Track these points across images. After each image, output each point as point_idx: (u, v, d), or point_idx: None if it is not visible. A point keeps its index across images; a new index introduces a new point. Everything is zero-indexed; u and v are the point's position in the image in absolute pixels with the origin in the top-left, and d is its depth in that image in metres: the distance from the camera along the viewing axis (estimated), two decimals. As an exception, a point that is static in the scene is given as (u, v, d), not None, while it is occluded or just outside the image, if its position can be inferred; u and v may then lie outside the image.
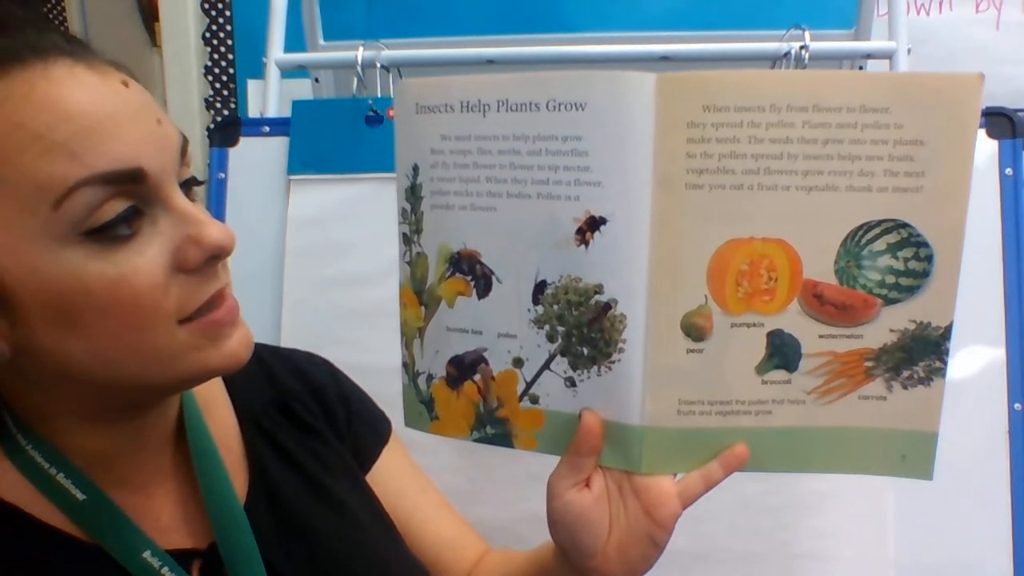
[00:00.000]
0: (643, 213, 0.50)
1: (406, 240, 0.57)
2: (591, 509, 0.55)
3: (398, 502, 0.67)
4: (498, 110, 0.51)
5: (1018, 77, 1.50)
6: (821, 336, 0.51)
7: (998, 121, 0.90)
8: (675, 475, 0.55)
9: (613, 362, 0.52)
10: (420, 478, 0.71)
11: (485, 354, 0.56)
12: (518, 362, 0.55)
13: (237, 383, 0.63)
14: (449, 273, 0.55)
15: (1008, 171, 0.90)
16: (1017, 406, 0.86)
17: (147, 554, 0.50)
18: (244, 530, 0.54)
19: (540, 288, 0.53)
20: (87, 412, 0.50)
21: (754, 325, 0.52)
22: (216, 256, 0.47)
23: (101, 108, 0.44)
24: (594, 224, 0.50)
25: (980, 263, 0.88)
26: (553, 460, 0.57)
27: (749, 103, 0.48)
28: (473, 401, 0.57)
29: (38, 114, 0.42)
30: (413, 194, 0.56)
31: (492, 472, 0.93)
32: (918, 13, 1.55)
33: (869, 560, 0.87)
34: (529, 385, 0.55)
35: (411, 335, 0.58)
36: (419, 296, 0.57)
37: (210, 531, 0.54)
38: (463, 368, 0.56)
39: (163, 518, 0.54)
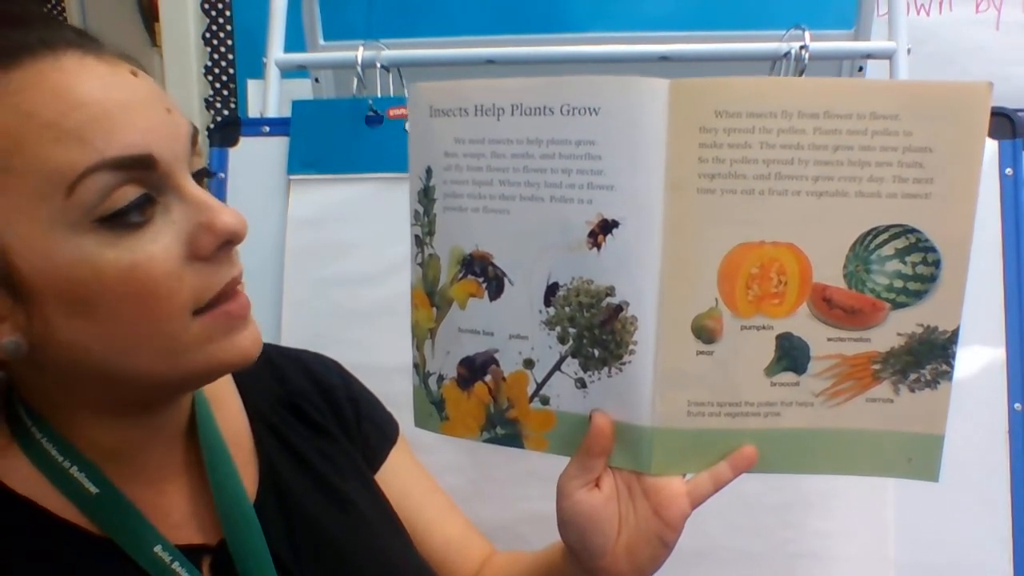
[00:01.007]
0: (655, 216, 0.50)
1: (418, 242, 0.58)
2: (601, 509, 0.55)
3: (405, 503, 0.68)
4: (512, 114, 0.52)
5: (1018, 77, 1.50)
6: (830, 339, 0.52)
7: (998, 121, 0.91)
8: (684, 475, 0.56)
9: (624, 364, 0.53)
10: (426, 480, 0.72)
11: (496, 355, 0.56)
12: (529, 363, 0.55)
13: (247, 382, 0.64)
14: (461, 275, 0.56)
15: (1008, 171, 0.90)
16: (1017, 406, 0.87)
17: (158, 548, 0.50)
18: (253, 527, 0.54)
19: (552, 290, 0.53)
20: (101, 407, 0.50)
21: (763, 328, 0.52)
22: (229, 242, 0.48)
23: (111, 96, 0.44)
24: (606, 227, 0.51)
25: (980, 263, 0.87)
26: (558, 460, 0.57)
27: (761, 109, 0.48)
28: (483, 402, 0.57)
29: (50, 103, 0.43)
30: (426, 196, 0.56)
31: (493, 472, 0.93)
32: (918, 13, 1.55)
33: (870, 560, 0.87)
34: (540, 386, 0.56)
35: (422, 336, 0.59)
36: (431, 297, 0.58)
37: (220, 527, 0.54)
38: (474, 369, 0.57)
39: (174, 513, 0.54)
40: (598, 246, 0.51)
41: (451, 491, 0.74)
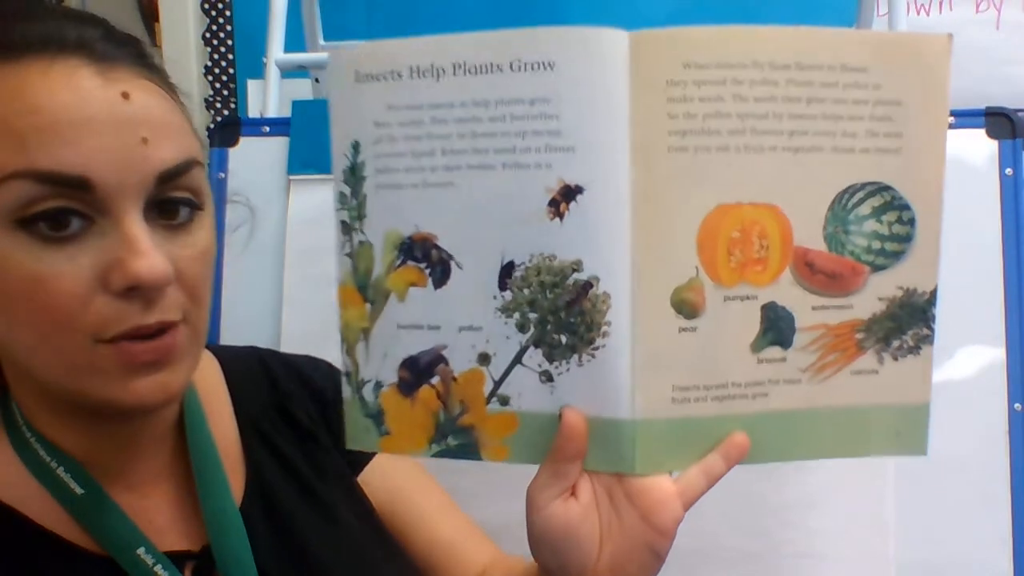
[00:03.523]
0: (623, 179, 0.44)
1: (345, 229, 0.50)
2: (580, 522, 0.47)
3: (394, 505, 0.64)
4: (455, 74, 0.45)
5: (1018, 77, 1.49)
6: (814, 308, 0.48)
7: (998, 121, 0.88)
8: (671, 473, 0.48)
9: (596, 348, 0.46)
10: (420, 479, 0.67)
11: (444, 352, 0.48)
12: (484, 358, 0.47)
13: (240, 387, 0.61)
14: (399, 262, 0.48)
15: (1008, 171, 0.88)
16: (1017, 406, 0.85)
17: (141, 551, 0.49)
18: (239, 533, 0.52)
19: (507, 271, 0.46)
20: (61, 409, 0.48)
21: (748, 298, 0.47)
22: (133, 288, 0.43)
23: (72, 110, 0.43)
24: (569, 194, 0.44)
25: (980, 263, 0.87)
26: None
27: (731, 60, 0.44)
28: (432, 409, 0.49)
29: (10, 102, 0.42)
30: (353, 175, 0.49)
31: (496, 471, 0.92)
32: (918, 13, 1.53)
33: (869, 559, 0.86)
34: (498, 384, 0.48)
35: (354, 338, 0.50)
36: (363, 292, 0.50)
37: (204, 533, 0.52)
38: (419, 371, 0.49)
39: (157, 519, 0.52)
40: (560, 215, 0.45)
41: (452, 491, 0.68)
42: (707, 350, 0.46)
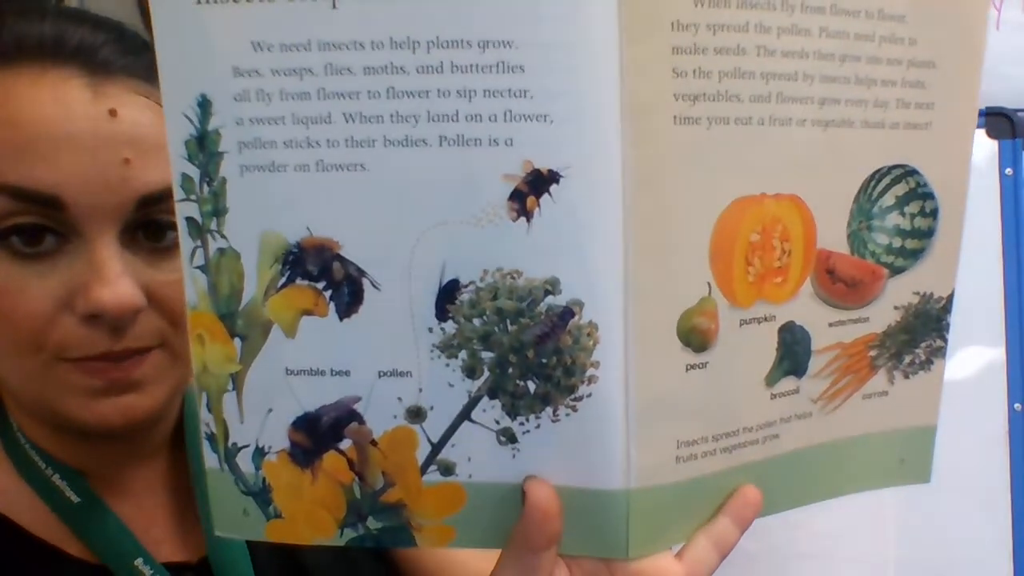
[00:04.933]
0: (614, 162, 0.31)
1: (195, 230, 0.34)
2: None
3: None
4: None
5: (1018, 77, 1.50)
6: (831, 324, 0.40)
7: (998, 121, 0.88)
8: (670, 548, 0.37)
9: (579, 399, 0.33)
10: None
11: (358, 407, 0.34)
12: (416, 414, 0.34)
13: None
14: (284, 279, 0.33)
15: (1008, 171, 0.88)
16: (1017, 406, 0.86)
17: (139, 562, 0.47)
18: (239, 544, 0.49)
19: (448, 293, 0.32)
20: (43, 417, 0.46)
21: (765, 320, 0.37)
22: (95, 316, 0.40)
23: (53, 125, 0.40)
24: (540, 183, 0.31)
25: (980, 263, 0.87)
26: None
27: None
28: (341, 483, 0.35)
29: None
30: (202, 148, 0.32)
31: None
32: (919, 12, 1.55)
33: (869, 560, 0.86)
34: (437, 448, 0.34)
35: (219, 388, 0.35)
36: (228, 323, 0.34)
37: (202, 544, 0.49)
38: (320, 433, 0.34)
39: (152, 529, 0.50)
40: (527, 214, 0.31)
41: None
42: (718, 390, 0.36)
